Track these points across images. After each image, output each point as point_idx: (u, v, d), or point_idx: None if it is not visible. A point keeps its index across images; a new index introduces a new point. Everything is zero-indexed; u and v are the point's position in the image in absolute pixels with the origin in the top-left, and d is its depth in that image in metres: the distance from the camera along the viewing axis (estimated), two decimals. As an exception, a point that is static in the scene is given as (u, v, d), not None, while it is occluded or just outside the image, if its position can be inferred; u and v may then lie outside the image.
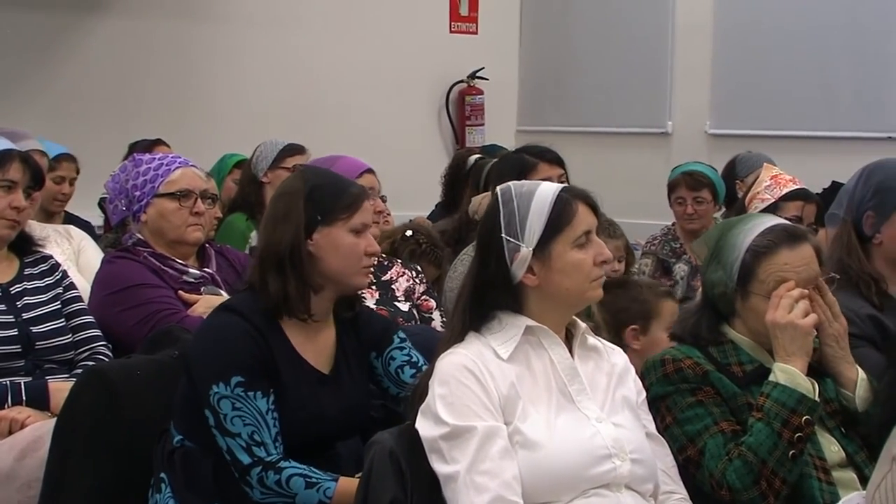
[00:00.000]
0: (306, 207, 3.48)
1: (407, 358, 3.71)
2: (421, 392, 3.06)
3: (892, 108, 8.95)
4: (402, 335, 3.75)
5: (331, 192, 3.52)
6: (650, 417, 3.27)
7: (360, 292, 3.74)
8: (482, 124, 10.40)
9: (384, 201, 5.20)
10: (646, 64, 10.10)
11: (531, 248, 3.06)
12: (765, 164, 5.64)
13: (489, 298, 3.09)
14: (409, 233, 5.35)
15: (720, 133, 9.66)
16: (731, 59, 9.69)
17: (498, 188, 3.18)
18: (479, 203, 5.57)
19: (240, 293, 3.66)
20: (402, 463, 3.00)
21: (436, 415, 2.96)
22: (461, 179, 7.20)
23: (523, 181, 3.21)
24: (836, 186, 5.65)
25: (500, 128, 10.42)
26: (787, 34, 9.36)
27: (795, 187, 5.15)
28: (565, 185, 3.22)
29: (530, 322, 3.08)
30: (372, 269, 3.69)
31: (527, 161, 4.94)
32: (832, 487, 3.22)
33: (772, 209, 4.85)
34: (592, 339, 3.24)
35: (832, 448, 3.36)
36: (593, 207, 3.15)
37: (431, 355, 3.16)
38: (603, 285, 3.16)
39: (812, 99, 9.25)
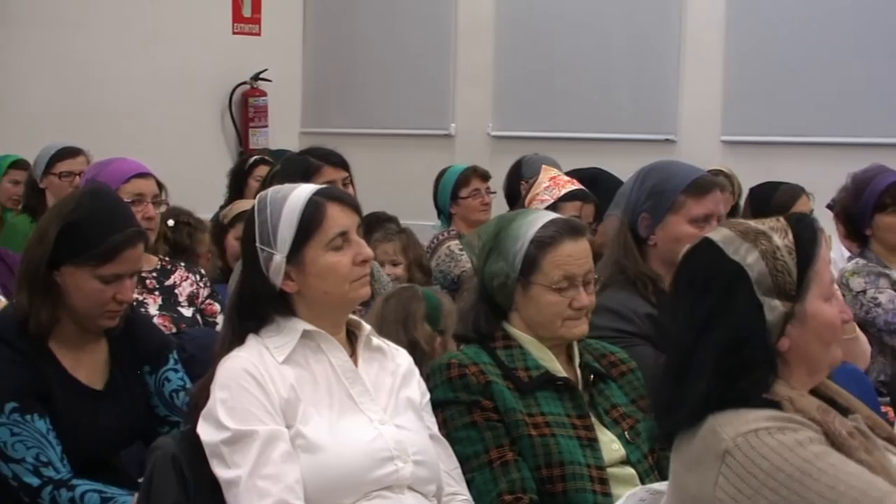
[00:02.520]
0: (57, 240, 3.42)
1: (181, 383, 3.69)
2: (201, 396, 3.02)
3: (671, 111, 9.20)
4: (175, 356, 3.72)
5: (86, 234, 3.44)
6: (433, 419, 3.27)
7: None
8: (266, 126, 10.34)
9: (167, 204, 5.10)
10: (429, 66, 10.18)
11: (284, 256, 3.03)
12: (543, 166, 5.73)
13: (258, 306, 3.08)
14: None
15: (502, 135, 9.79)
16: (512, 62, 9.82)
17: (257, 196, 3.16)
18: None
19: (4, 313, 3.57)
20: (185, 468, 2.97)
21: (217, 420, 2.92)
22: (244, 182, 7.17)
23: (280, 187, 3.18)
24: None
25: (284, 130, 10.39)
26: (568, 37, 9.54)
27: (573, 188, 5.24)
28: (320, 187, 3.18)
29: (307, 326, 3.07)
30: (118, 314, 3.56)
31: (311, 164, 4.91)
32: (608, 498, 3.23)
33: (551, 209, 4.91)
34: (377, 341, 3.23)
35: (613, 447, 3.38)
36: (353, 207, 3.14)
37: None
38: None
39: (593, 101, 9.45)
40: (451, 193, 7.03)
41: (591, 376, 3.48)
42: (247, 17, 10.46)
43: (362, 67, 10.48)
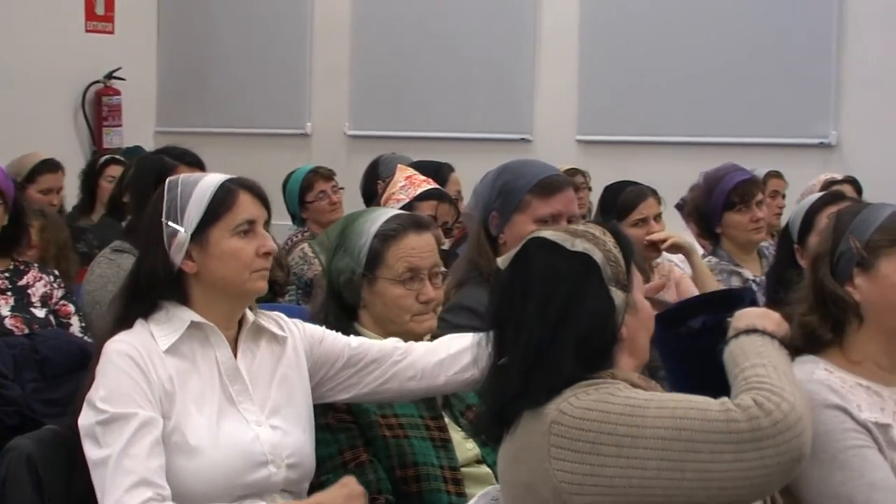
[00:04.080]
0: None
1: None
2: (88, 382, 2.97)
3: (527, 111, 9.29)
4: None
5: None
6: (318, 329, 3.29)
7: None
8: (120, 125, 10.23)
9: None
10: (285, 65, 10.16)
11: (189, 233, 3.02)
12: (399, 165, 5.74)
13: (152, 287, 3.04)
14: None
15: (359, 134, 9.81)
16: (369, 61, 9.85)
17: (168, 179, 3.13)
18: None
19: None
20: (40, 469, 2.94)
21: (94, 402, 2.88)
22: (95, 182, 7.09)
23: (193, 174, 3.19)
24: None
25: (139, 129, 10.29)
26: (425, 37, 9.59)
27: (429, 187, 5.25)
28: (235, 176, 3.17)
29: (196, 317, 3.04)
30: None
31: (167, 163, 4.88)
32: (462, 498, 3.23)
33: (407, 209, 4.93)
34: (266, 323, 3.20)
35: (467, 446, 3.39)
36: (263, 200, 3.13)
37: (68, 359, 3.09)
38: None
39: (450, 101, 9.51)
40: (299, 198, 7.03)
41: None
42: (100, 15, 10.34)
43: (218, 66, 10.43)
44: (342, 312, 3.48)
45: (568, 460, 2.41)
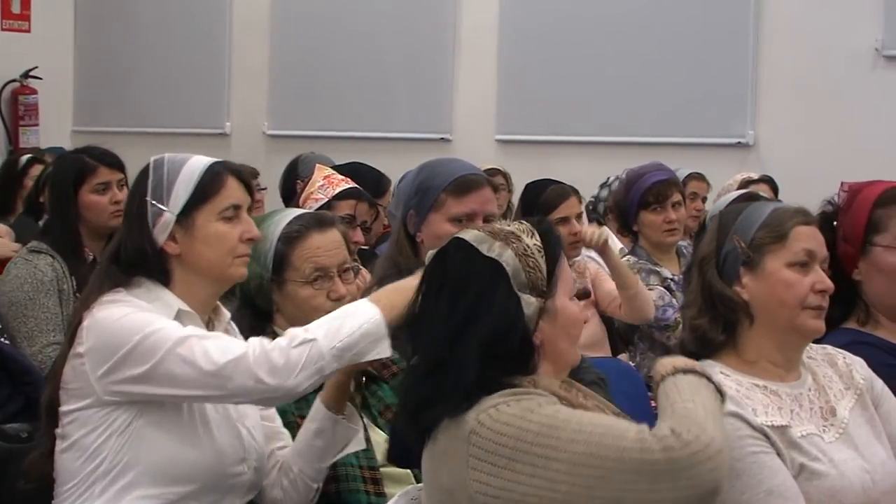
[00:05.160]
0: None
1: None
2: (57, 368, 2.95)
3: (446, 111, 9.31)
4: None
5: None
6: None
7: None
8: (36, 125, 10.14)
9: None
10: (204, 64, 10.12)
11: (175, 214, 2.99)
12: (317, 164, 5.72)
13: (134, 265, 3.00)
14: None
15: (278, 134, 9.79)
16: (288, 60, 9.83)
17: (152, 158, 3.11)
18: None
19: None
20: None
21: (116, 337, 2.84)
22: (14, 182, 7.01)
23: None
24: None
25: (56, 128, 10.21)
26: (344, 37, 9.58)
27: (348, 186, 5.24)
28: (224, 161, 3.15)
29: (182, 305, 3.00)
30: None
31: (86, 163, 4.86)
32: (381, 498, 3.23)
33: (326, 208, 4.92)
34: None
35: (385, 446, 3.33)
36: (249, 188, 3.12)
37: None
38: None
39: (369, 100, 9.52)
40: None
41: (364, 378, 3.48)
42: (16, 13, 10.24)
43: (136, 65, 10.36)
44: (256, 319, 3.46)
45: (484, 472, 2.41)
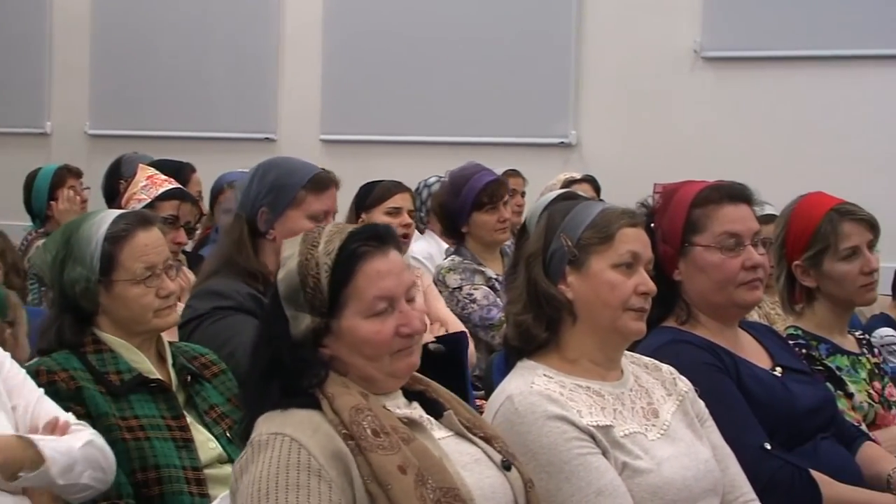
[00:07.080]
0: None
1: None
2: None
3: (271, 110, 9.28)
4: None
5: None
6: None
7: None
8: None
9: None
10: (22, 61, 9.95)
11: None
12: (140, 164, 5.68)
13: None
14: None
15: (100, 133, 9.65)
16: (110, 59, 9.73)
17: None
18: None
19: None
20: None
21: None
22: None
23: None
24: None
25: None
26: (167, 35, 9.54)
27: (171, 187, 5.21)
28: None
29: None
30: None
31: None
32: (205, 499, 3.23)
33: (149, 208, 4.88)
34: None
35: (209, 446, 3.39)
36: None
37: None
38: None
39: (192, 99, 9.45)
40: (48, 196, 6.87)
41: (189, 378, 3.49)
42: None
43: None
44: (77, 324, 3.42)
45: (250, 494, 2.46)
